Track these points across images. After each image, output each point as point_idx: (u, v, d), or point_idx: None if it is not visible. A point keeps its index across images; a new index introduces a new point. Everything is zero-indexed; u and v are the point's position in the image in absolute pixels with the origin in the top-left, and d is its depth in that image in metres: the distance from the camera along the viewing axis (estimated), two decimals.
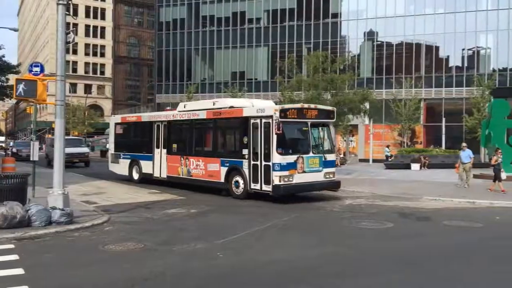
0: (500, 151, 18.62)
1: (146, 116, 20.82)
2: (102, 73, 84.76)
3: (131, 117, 22.46)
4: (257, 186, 14.68)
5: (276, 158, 14.04)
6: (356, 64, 42.48)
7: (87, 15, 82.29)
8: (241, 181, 15.19)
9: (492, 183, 17.51)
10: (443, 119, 38.75)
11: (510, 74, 39.49)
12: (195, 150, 17.60)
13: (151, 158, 19.40)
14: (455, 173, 19.61)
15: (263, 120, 14.59)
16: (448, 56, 42.48)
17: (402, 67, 42.24)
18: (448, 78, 41.44)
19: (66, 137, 41.13)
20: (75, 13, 72.09)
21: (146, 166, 19.69)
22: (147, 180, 19.56)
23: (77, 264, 7.75)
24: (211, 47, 49.45)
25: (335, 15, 45.30)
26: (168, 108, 23.57)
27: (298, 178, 14.38)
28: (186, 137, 18.33)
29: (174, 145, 18.48)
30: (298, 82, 28.50)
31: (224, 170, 15.86)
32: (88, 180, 21.49)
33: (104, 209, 12.81)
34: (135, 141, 21.18)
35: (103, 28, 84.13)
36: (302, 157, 14.46)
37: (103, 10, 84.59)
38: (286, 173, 14.08)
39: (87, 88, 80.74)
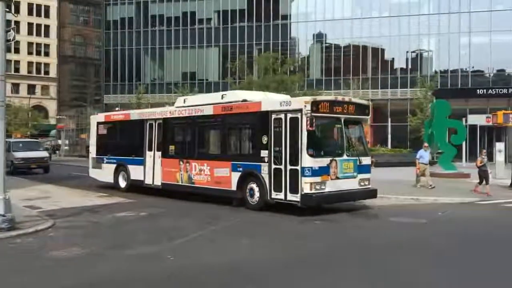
0: (484, 151, 17.68)
1: (136, 113, 18.35)
2: (47, 72, 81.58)
3: (117, 115, 19.66)
4: (280, 195, 12.36)
5: (307, 161, 11.74)
6: (305, 66, 43.27)
7: (30, 12, 78.89)
8: (256, 189, 12.92)
9: (477, 184, 16.73)
10: (389, 119, 40.13)
11: (451, 75, 41.35)
12: (199, 152, 15.17)
13: (141, 162, 16.90)
14: (414, 174, 18.87)
15: (289, 115, 12.26)
16: (393, 58, 44.00)
17: (350, 68, 43.34)
18: (393, 79, 42.88)
19: (23, 140, 37.37)
20: (17, 11, 69.03)
21: (135, 172, 17.14)
22: (137, 188, 17.10)
23: (19, 271, 7.40)
24: (160, 47, 48.78)
25: (284, 17, 45.91)
26: (117, 108, 22.94)
27: (331, 186, 12.13)
28: (187, 137, 15.97)
29: (171, 147, 16.15)
30: (249, 83, 28.73)
31: (236, 175, 13.48)
32: (34, 184, 20.57)
33: (48, 214, 12.32)
34: (122, 142, 18.60)
35: (47, 27, 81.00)
36: (335, 160, 12.18)
37: (47, 8, 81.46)
38: (318, 179, 11.83)
39: (31, 89, 77.42)
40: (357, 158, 12.85)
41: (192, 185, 15.00)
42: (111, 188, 18.11)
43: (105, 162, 18.77)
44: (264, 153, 12.75)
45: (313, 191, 11.75)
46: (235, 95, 14.90)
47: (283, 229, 11.08)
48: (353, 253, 8.62)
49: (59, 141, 62.31)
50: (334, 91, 42.53)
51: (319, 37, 45.13)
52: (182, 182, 15.40)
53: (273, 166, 12.51)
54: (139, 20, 49.47)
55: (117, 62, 50.08)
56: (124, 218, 12.30)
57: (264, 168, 12.68)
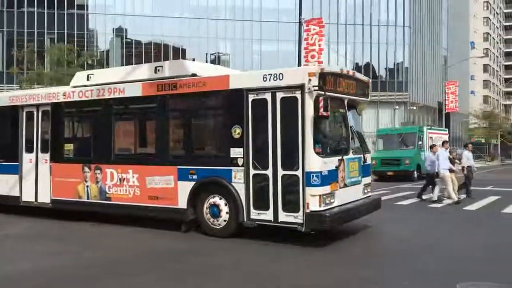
0: None
1: (5, 97, 12.42)
2: None
3: None
4: (266, 215, 8.40)
5: (314, 162, 8.01)
6: (106, 60, 41.71)
7: None
8: (223, 206, 8.89)
9: None
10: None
11: None
12: (117, 153, 10.48)
13: (15, 170, 11.71)
14: None
15: (280, 95, 8.36)
16: (194, 59, 45.46)
17: None
18: None
19: None
20: None
21: (5, 184, 11.83)
22: (8, 208, 11.89)
23: None
24: None
25: (81, 7, 43.56)
26: None
27: (340, 198, 8.51)
28: (96, 131, 10.95)
29: (68, 146, 11.34)
30: (39, 75, 26.40)
31: (186, 186, 9.25)
32: None
33: None
34: None
35: None
36: (343, 159, 8.60)
37: None
38: (327, 189, 8.18)
39: None
40: (362, 155, 9.49)
41: (107, 202, 10.42)
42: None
43: None
44: (236, 152, 8.76)
45: (322, 207, 8.06)
46: (178, 67, 10.16)
47: (82, 233, 10.39)
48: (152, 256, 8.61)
49: None
50: None
51: (119, 32, 44.01)
52: (88, 198, 10.71)
53: (253, 172, 8.61)
54: None
55: None
56: None
57: (237, 175, 8.73)
